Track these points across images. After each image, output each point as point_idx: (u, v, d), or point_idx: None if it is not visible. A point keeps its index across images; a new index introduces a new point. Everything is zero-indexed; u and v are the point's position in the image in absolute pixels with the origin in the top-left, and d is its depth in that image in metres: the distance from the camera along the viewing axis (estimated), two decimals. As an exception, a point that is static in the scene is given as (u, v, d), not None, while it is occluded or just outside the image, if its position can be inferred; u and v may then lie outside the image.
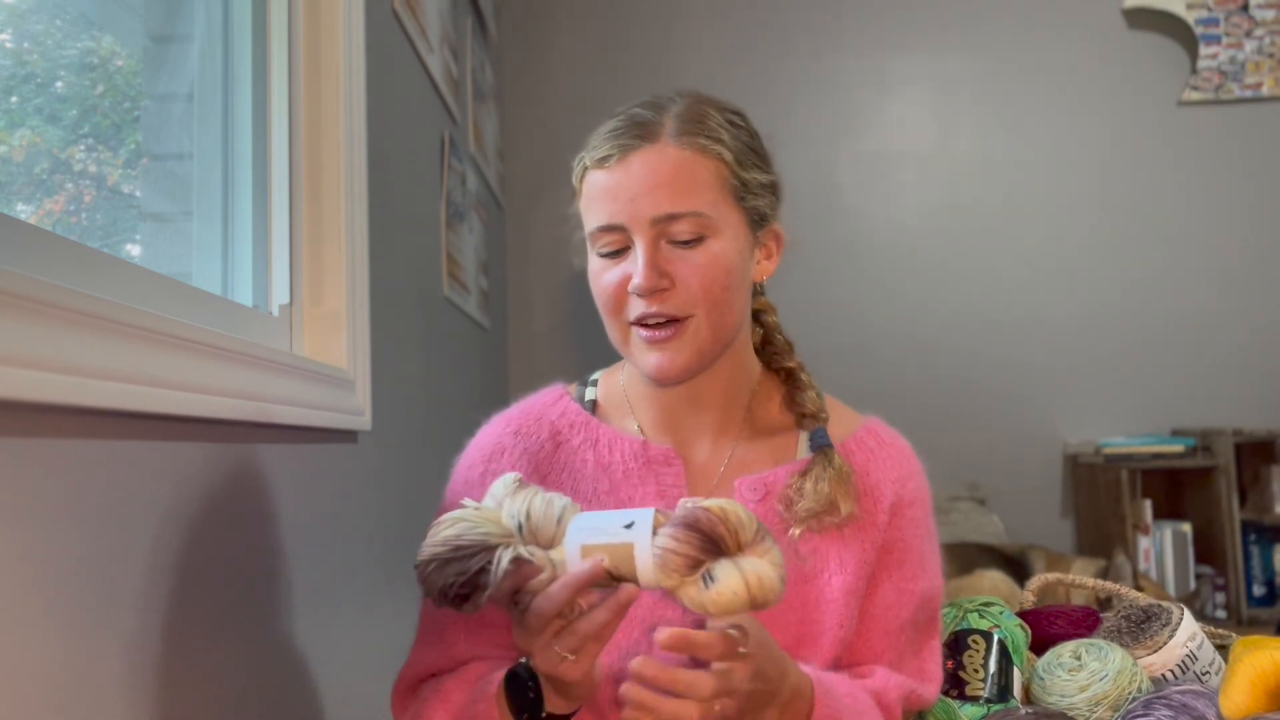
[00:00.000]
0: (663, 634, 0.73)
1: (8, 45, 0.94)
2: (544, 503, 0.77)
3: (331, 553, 1.27)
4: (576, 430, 0.98)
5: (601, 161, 0.89)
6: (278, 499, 1.08)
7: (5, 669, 0.61)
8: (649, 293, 0.87)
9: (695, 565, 0.73)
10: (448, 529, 0.76)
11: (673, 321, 0.88)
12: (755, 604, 0.73)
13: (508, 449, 0.96)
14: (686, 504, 0.75)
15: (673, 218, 0.87)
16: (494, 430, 0.99)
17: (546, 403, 1.00)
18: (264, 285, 1.24)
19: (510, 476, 0.80)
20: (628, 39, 3.21)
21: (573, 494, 0.94)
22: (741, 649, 0.75)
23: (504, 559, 0.74)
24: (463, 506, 0.79)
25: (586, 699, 0.80)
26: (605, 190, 0.89)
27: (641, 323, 0.89)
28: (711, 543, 0.73)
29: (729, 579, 0.72)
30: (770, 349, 1.02)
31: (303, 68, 1.31)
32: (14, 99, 0.94)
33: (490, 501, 0.79)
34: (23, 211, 0.95)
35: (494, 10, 2.99)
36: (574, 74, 3.19)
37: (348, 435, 1.36)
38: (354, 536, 1.38)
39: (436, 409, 1.94)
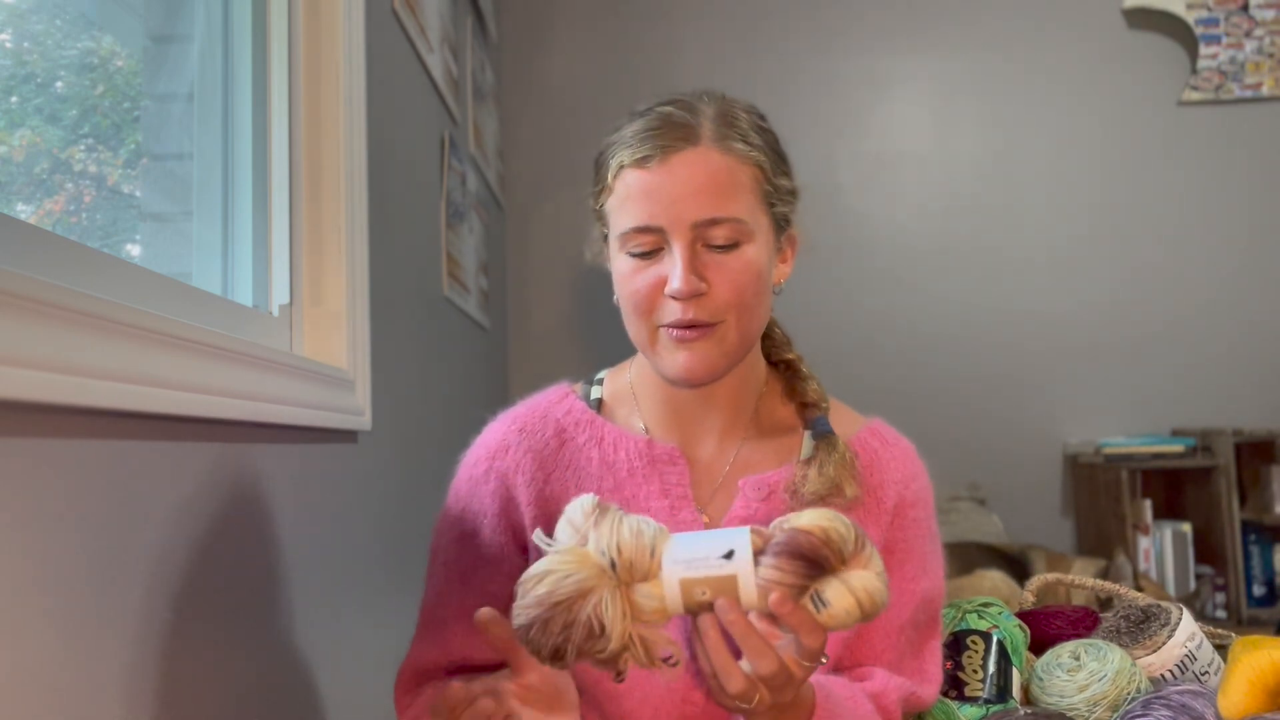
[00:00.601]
0: (775, 596, 0.70)
1: (8, 45, 0.94)
2: (633, 534, 0.72)
3: (331, 553, 1.27)
4: (581, 428, 0.98)
5: (642, 161, 0.88)
6: (278, 499, 1.08)
7: (5, 669, 0.61)
8: (688, 296, 0.87)
9: (803, 591, 0.71)
10: (538, 587, 0.71)
11: (704, 326, 0.88)
12: (867, 617, 0.72)
13: (513, 446, 0.97)
14: (783, 524, 0.73)
15: (714, 222, 0.87)
16: (499, 427, 1.00)
17: (552, 401, 1.01)
18: (264, 285, 1.24)
19: (588, 501, 0.74)
20: (628, 39, 3.21)
21: (576, 491, 0.94)
22: (823, 659, 0.75)
23: (608, 604, 0.70)
24: (549, 548, 0.74)
25: None
26: (644, 191, 0.88)
27: (673, 326, 0.89)
28: (817, 566, 0.71)
29: (841, 600, 0.71)
30: (769, 342, 1.02)
31: (303, 68, 1.31)
32: (14, 99, 0.94)
33: (569, 529, 0.74)
34: (23, 211, 0.95)
35: (494, 10, 2.99)
36: (574, 74, 3.19)
37: (348, 435, 1.36)
38: (354, 536, 1.38)
39: (436, 409, 1.94)
